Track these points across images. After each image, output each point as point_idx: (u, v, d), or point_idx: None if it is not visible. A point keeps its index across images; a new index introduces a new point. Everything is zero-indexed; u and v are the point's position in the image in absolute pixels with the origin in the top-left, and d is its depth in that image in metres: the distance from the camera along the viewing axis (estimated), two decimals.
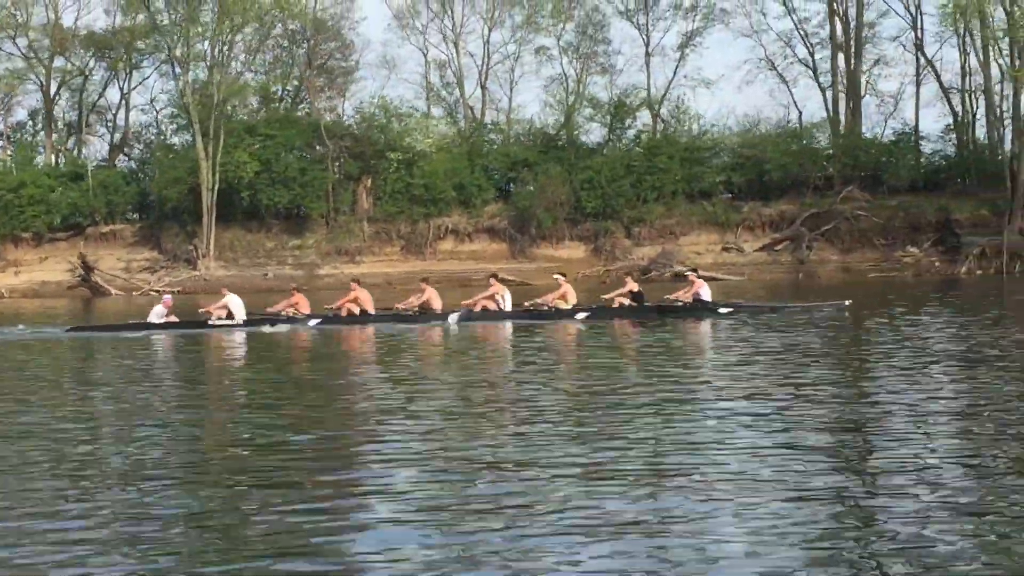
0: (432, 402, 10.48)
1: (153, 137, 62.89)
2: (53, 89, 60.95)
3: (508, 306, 22.69)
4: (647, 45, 58.52)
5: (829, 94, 55.70)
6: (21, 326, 23.48)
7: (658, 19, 58.73)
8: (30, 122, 63.88)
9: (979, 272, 44.11)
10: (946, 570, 4.94)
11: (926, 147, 55.35)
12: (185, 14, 53.91)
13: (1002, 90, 51.25)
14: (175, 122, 60.38)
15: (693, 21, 58.21)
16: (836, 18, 55.21)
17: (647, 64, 58.39)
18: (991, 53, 49.17)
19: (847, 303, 22.18)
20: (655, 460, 7.39)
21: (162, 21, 55.43)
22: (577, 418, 9.29)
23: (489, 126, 60.47)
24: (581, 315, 21.82)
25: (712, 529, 5.65)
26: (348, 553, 5.46)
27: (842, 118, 55.25)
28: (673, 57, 58.69)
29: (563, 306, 22.39)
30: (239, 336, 20.49)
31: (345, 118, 59.60)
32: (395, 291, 37.32)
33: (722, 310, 21.97)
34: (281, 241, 54.06)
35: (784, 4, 56.24)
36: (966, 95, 53.64)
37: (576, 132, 58.42)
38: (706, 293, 22.69)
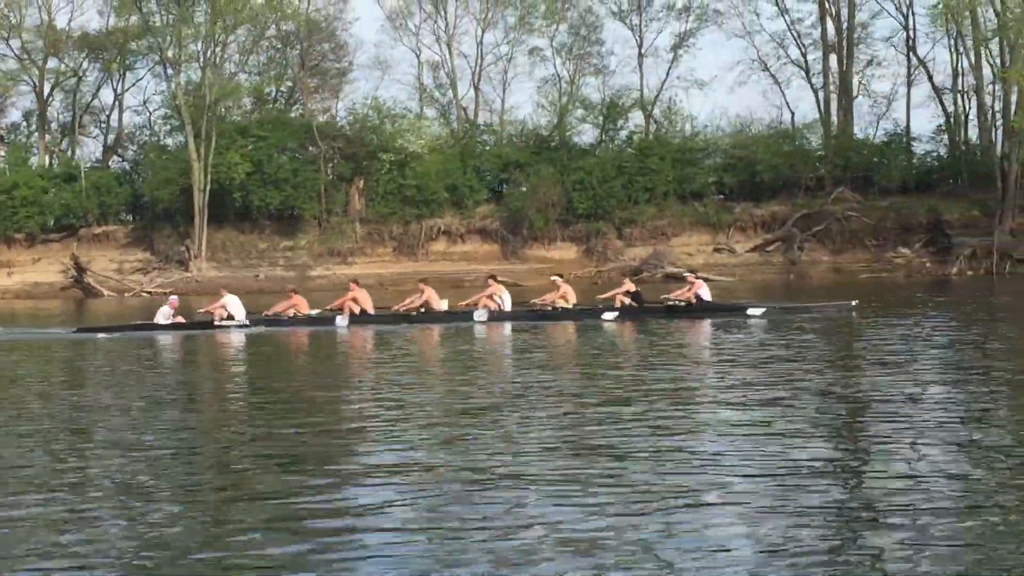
0: (446, 405, 10.55)
1: (147, 138, 62.92)
2: (46, 90, 60.91)
3: (508, 307, 22.71)
4: (640, 46, 58.67)
5: (821, 95, 55.84)
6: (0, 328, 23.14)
7: (651, 20, 58.87)
8: (24, 123, 63.85)
9: (970, 273, 44.23)
10: (946, 570, 4.97)
11: (918, 148, 55.55)
12: (178, 15, 53.94)
13: (994, 91, 51.32)
14: (168, 123, 60.39)
15: (686, 22, 58.43)
16: (828, 19, 55.31)
17: (640, 65, 58.55)
18: (982, 54, 49.27)
19: (854, 303, 22.22)
20: (656, 469, 7.39)
21: (155, 22, 55.41)
22: (619, 412, 9.32)
23: (482, 127, 60.41)
24: (609, 315, 21.88)
25: (712, 535, 5.65)
26: (351, 559, 5.45)
27: (834, 119, 55.31)
28: (666, 58, 58.89)
29: (564, 306, 22.46)
30: (253, 336, 20.44)
31: (338, 119, 59.69)
32: (387, 292, 37.35)
33: (751, 311, 21.92)
34: (273, 242, 53.98)
35: (777, 5, 56.46)
36: (958, 96, 53.87)
37: (568, 133, 58.42)
38: (706, 293, 22.90)
